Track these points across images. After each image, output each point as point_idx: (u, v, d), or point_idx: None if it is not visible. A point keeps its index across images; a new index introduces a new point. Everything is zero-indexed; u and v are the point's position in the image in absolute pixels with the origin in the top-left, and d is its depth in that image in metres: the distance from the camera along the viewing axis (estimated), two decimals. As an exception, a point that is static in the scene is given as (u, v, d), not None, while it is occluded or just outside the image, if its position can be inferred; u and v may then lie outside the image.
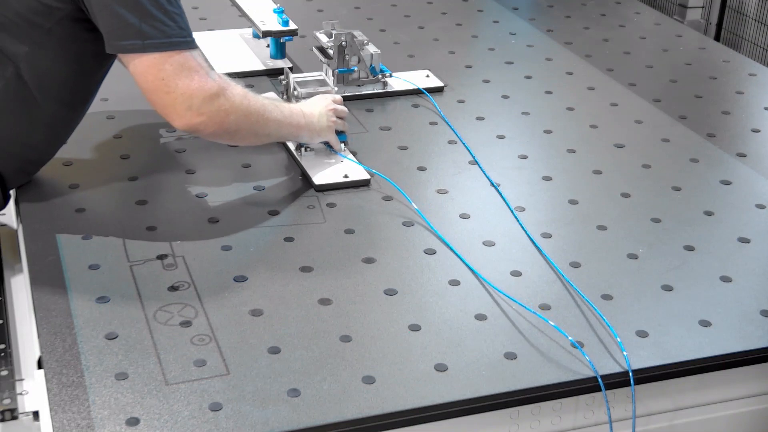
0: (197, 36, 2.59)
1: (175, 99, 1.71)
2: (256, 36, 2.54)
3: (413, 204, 1.91)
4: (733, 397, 1.65)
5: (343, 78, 2.33)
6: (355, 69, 2.33)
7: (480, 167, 2.07)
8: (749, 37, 3.47)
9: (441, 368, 1.51)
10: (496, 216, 1.92)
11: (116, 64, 1.86)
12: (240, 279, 1.70)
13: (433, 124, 2.27)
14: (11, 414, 1.46)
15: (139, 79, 1.73)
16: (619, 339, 1.57)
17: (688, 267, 1.79)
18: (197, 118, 1.73)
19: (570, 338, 1.57)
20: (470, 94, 2.42)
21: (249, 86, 1.90)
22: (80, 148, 2.08)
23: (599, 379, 1.50)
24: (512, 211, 1.91)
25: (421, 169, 2.07)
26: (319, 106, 2.00)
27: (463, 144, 2.16)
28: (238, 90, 1.80)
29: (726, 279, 1.75)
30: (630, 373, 1.51)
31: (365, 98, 2.35)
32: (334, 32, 2.29)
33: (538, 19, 2.90)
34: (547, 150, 2.20)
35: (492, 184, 2.01)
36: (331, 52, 2.31)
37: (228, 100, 1.76)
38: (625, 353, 1.54)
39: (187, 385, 1.45)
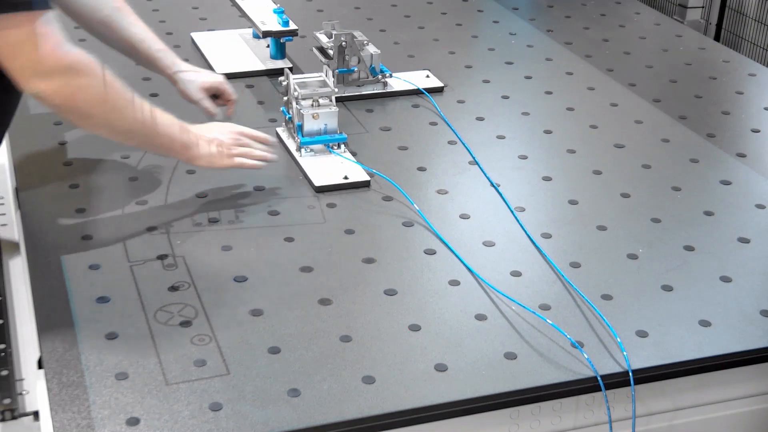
0: (197, 36, 2.62)
1: (23, 63, 1.57)
2: (256, 36, 2.54)
3: (414, 205, 1.91)
4: (733, 397, 1.65)
5: (343, 78, 2.33)
6: (355, 69, 2.33)
7: (480, 167, 2.07)
8: (749, 37, 3.47)
9: (441, 368, 1.51)
10: (496, 216, 1.92)
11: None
12: (240, 279, 1.70)
13: (433, 124, 2.27)
14: (11, 414, 1.46)
15: None
16: (619, 339, 1.57)
17: (688, 267, 1.79)
18: (43, 84, 1.58)
19: (570, 338, 1.57)
20: (470, 94, 2.42)
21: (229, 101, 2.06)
22: (80, 148, 2.08)
23: (599, 379, 1.50)
24: (512, 212, 1.91)
25: (421, 169, 2.07)
26: (216, 131, 1.90)
27: (463, 144, 2.16)
28: (102, 73, 1.65)
29: (726, 279, 1.75)
30: (630, 373, 1.51)
31: (365, 98, 2.35)
32: (334, 32, 2.29)
33: (538, 19, 2.90)
34: (547, 150, 2.20)
35: (492, 185, 2.01)
36: (331, 52, 2.31)
37: (83, 77, 1.62)
38: (624, 353, 1.54)
39: (187, 385, 1.45)
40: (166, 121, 1.78)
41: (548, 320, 1.60)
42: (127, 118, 1.71)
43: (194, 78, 2.04)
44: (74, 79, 1.60)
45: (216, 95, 2.08)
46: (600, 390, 1.51)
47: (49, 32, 1.57)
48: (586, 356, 1.53)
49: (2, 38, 1.55)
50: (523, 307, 1.64)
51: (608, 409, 1.53)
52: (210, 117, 2.03)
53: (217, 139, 1.87)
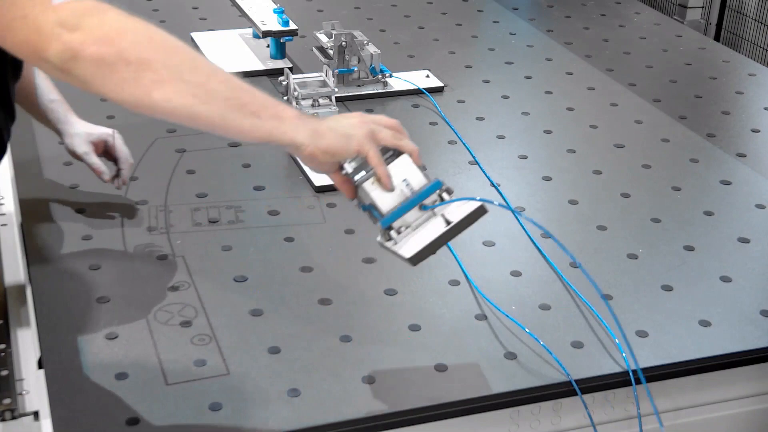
0: (197, 36, 2.62)
1: (37, 19, 1.19)
2: (256, 36, 2.54)
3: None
4: (733, 397, 1.65)
5: (343, 78, 2.33)
6: (355, 69, 2.33)
7: (480, 167, 2.07)
8: (749, 37, 3.47)
9: (441, 368, 1.51)
10: (496, 216, 1.91)
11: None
12: (240, 279, 1.70)
13: (433, 124, 2.27)
14: (11, 414, 1.46)
15: None
16: (617, 341, 1.56)
17: (688, 267, 1.79)
18: (71, 34, 1.18)
19: (542, 343, 1.57)
20: (470, 94, 2.42)
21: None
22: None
23: (574, 383, 1.50)
24: (514, 213, 1.91)
25: (421, 168, 2.06)
26: (346, 117, 1.39)
27: (464, 144, 2.16)
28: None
29: (726, 279, 1.75)
30: (630, 373, 1.51)
31: (365, 98, 2.34)
32: (334, 32, 2.29)
33: (538, 19, 2.90)
34: (547, 150, 2.20)
35: (492, 184, 2.01)
36: (331, 52, 2.31)
37: (120, 16, 1.22)
38: (623, 354, 1.54)
39: (187, 385, 1.45)
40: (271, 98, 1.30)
41: (524, 326, 1.60)
42: (206, 72, 1.25)
43: (80, 130, 1.82)
44: (110, 19, 1.22)
45: (109, 152, 1.85)
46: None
47: None
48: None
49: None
50: (505, 314, 1.64)
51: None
52: (98, 176, 1.82)
53: (357, 125, 1.36)
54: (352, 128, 1.35)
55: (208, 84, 1.25)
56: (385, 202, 1.35)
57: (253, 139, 1.29)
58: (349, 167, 1.36)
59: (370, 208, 1.37)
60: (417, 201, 1.36)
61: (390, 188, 1.36)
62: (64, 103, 1.85)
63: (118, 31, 1.21)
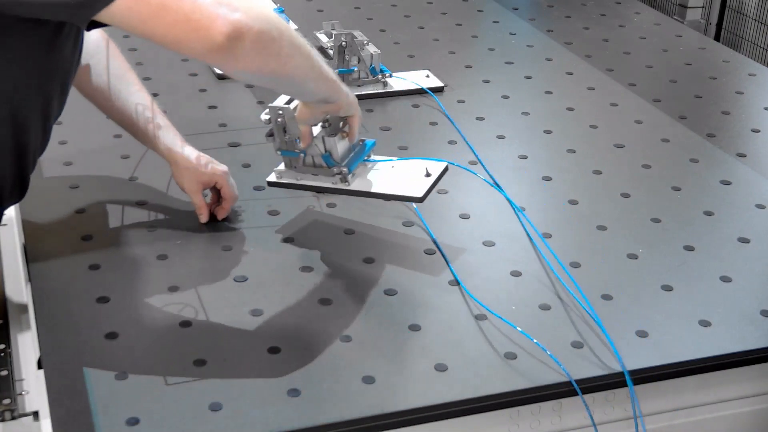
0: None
1: (194, 7, 1.31)
2: (256, 36, 2.53)
3: (413, 204, 1.91)
4: (733, 397, 1.65)
5: (343, 78, 2.32)
6: (355, 69, 2.33)
7: (483, 167, 2.07)
8: (749, 37, 3.47)
9: (441, 368, 1.51)
10: (496, 216, 1.91)
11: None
12: (240, 279, 1.70)
13: (433, 124, 2.27)
14: (11, 414, 1.46)
15: (134, 22, 1.34)
16: (612, 343, 1.56)
17: (688, 267, 1.79)
18: (234, 13, 1.32)
19: (537, 342, 1.57)
20: (470, 94, 2.42)
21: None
22: (80, 148, 2.08)
23: (573, 383, 1.50)
24: (518, 210, 1.91)
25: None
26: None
27: (467, 143, 2.16)
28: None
29: (726, 279, 1.75)
30: (626, 374, 1.51)
31: (365, 98, 2.34)
32: (334, 32, 2.29)
33: (538, 19, 2.90)
34: (547, 150, 2.20)
35: (496, 184, 2.00)
36: (331, 52, 2.31)
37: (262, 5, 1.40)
38: (619, 355, 1.54)
39: (187, 385, 1.45)
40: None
41: (523, 330, 1.60)
42: (307, 51, 1.50)
43: (191, 165, 1.81)
44: (258, 6, 1.37)
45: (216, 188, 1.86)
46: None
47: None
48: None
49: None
50: (507, 321, 1.64)
51: (589, 412, 1.53)
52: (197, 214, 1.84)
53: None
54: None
55: (311, 55, 1.50)
56: (343, 153, 1.76)
57: (318, 95, 1.61)
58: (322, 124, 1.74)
59: (326, 156, 1.74)
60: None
61: (353, 141, 1.75)
62: (171, 128, 1.84)
63: (265, 10, 1.38)
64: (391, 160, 1.81)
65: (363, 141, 1.82)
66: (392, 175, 1.78)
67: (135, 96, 1.82)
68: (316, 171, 1.77)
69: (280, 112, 1.70)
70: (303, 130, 1.70)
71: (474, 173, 1.97)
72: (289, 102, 1.70)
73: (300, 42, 1.48)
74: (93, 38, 1.80)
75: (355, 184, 1.77)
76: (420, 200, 1.74)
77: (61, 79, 1.55)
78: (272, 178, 1.81)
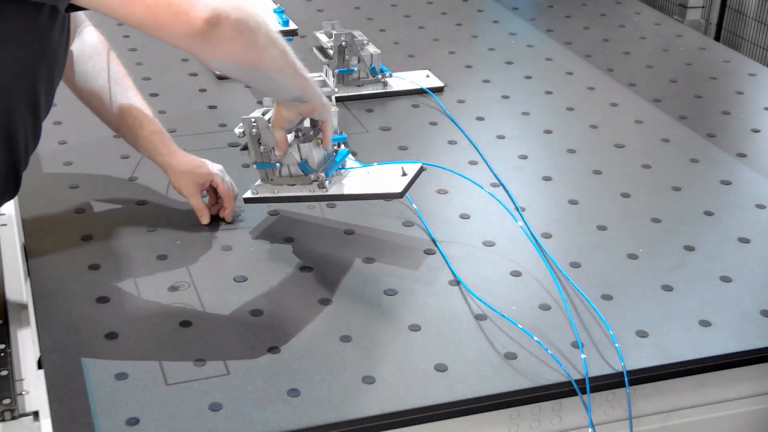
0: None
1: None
2: (256, 36, 2.53)
3: (413, 204, 1.91)
4: (733, 397, 1.65)
5: (343, 78, 2.33)
6: (355, 69, 2.33)
7: (487, 164, 2.07)
8: (749, 37, 3.47)
9: (441, 368, 1.51)
10: (496, 216, 1.91)
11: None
12: (240, 279, 1.70)
13: (433, 124, 2.27)
14: (11, 414, 1.46)
15: (115, 4, 1.38)
16: (617, 345, 1.56)
17: (688, 267, 1.79)
18: (214, 0, 1.37)
19: (538, 340, 1.57)
20: (470, 94, 2.42)
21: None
22: (80, 148, 2.08)
23: (573, 383, 1.50)
24: (519, 210, 1.91)
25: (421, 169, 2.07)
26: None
27: (470, 141, 2.16)
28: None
29: (726, 279, 1.75)
30: (624, 374, 1.51)
31: (365, 98, 2.35)
32: (334, 32, 2.29)
33: (538, 19, 2.90)
34: (547, 150, 2.20)
35: (500, 183, 2.00)
36: (331, 52, 2.31)
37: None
38: (620, 353, 1.54)
39: (187, 385, 1.45)
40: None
41: (525, 329, 1.60)
42: (281, 47, 1.52)
43: (185, 168, 1.82)
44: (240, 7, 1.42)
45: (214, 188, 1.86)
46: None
47: None
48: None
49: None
50: (508, 318, 1.64)
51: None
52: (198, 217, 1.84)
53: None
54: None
55: (287, 50, 1.53)
56: (318, 160, 1.75)
57: (293, 92, 1.61)
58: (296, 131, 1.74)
59: (303, 164, 1.74)
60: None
61: (328, 149, 1.75)
62: (165, 135, 1.83)
63: (243, 1, 1.41)
64: (366, 166, 1.81)
65: (336, 148, 1.81)
66: (369, 178, 1.79)
67: (131, 101, 1.82)
68: (292, 180, 1.77)
69: (254, 122, 1.72)
70: (278, 137, 1.70)
71: (479, 186, 1.97)
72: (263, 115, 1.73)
73: (276, 36, 1.50)
74: (91, 41, 1.81)
75: (334, 189, 1.77)
76: (399, 196, 1.74)
77: (47, 64, 1.55)
78: (249, 194, 1.80)
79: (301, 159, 1.75)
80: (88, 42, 1.81)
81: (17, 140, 1.57)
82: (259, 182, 1.80)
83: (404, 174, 1.77)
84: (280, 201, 1.80)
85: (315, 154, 1.74)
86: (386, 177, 1.78)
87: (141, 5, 1.36)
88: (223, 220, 1.85)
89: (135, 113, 1.81)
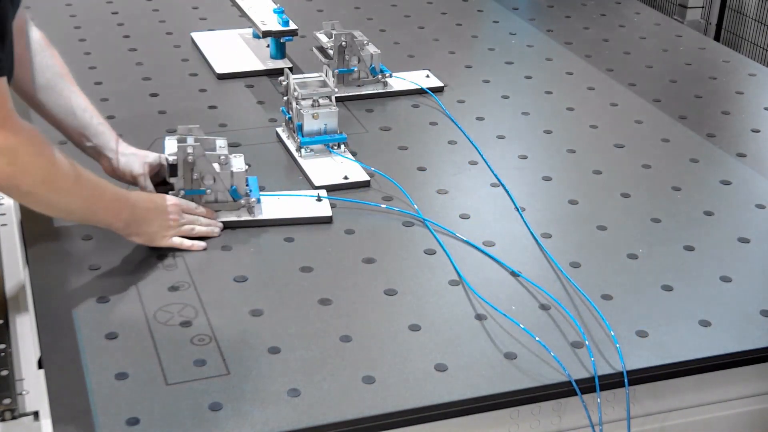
0: (197, 36, 2.62)
1: None
2: (256, 36, 2.54)
3: (415, 205, 1.91)
4: (733, 397, 1.65)
5: (343, 78, 2.33)
6: (355, 69, 2.33)
7: (487, 164, 2.07)
8: (749, 37, 3.47)
9: (441, 368, 1.51)
10: (496, 216, 1.92)
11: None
12: (240, 279, 1.70)
13: (433, 124, 2.27)
14: (11, 414, 1.46)
15: None
16: (618, 345, 1.56)
17: (688, 267, 1.79)
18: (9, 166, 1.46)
19: (540, 341, 1.57)
20: (470, 94, 2.42)
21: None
22: (80, 150, 2.07)
23: (573, 383, 1.50)
24: (518, 209, 1.91)
25: (421, 169, 2.07)
26: (158, 202, 1.77)
27: (470, 141, 2.16)
28: (50, 152, 1.55)
29: (726, 279, 1.75)
30: (624, 374, 1.51)
31: (365, 98, 2.35)
32: (334, 32, 2.29)
33: (538, 19, 2.90)
34: (547, 150, 2.20)
35: (500, 183, 2.00)
36: (331, 52, 2.31)
37: (29, 156, 1.51)
38: (620, 354, 1.54)
39: (187, 385, 1.45)
40: (109, 196, 1.67)
41: (527, 329, 1.60)
42: (69, 198, 1.61)
43: (135, 151, 1.88)
44: (19, 158, 1.48)
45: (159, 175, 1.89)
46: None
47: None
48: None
49: None
50: (510, 318, 1.64)
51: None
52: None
53: (161, 217, 1.75)
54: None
55: (71, 209, 1.64)
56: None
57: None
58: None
59: (233, 190, 1.83)
60: None
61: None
62: (109, 127, 1.87)
63: (23, 170, 1.49)
64: (274, 195, 1.89)
65: (246, 178, 1.85)
66: (287, 204, 1.87)
67: (75, 96, 1.85)
68: (218, 207, 1.83)
69: (190, 150, 1.77)
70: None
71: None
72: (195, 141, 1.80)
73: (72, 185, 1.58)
74: (35, 38, 1.82)
75: (264, 215, 1.84)
76: (329, 219, 1.85)
77: None
78: None
79: (232, 185, 1.81)
80: (33, 38, 1.82)
81: None
82: None
83: (319, 199, 1.87)
84: None
85: (244, 180, 1.82)
86: (305, 203, 1.87)
87: None
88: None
89: (84, 105, 1.85)
